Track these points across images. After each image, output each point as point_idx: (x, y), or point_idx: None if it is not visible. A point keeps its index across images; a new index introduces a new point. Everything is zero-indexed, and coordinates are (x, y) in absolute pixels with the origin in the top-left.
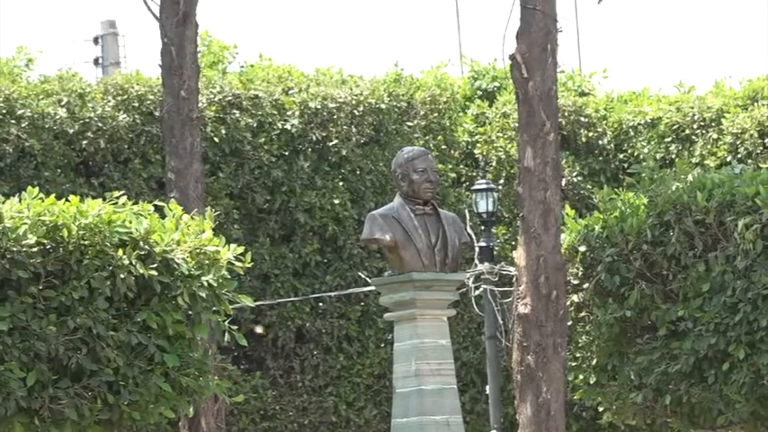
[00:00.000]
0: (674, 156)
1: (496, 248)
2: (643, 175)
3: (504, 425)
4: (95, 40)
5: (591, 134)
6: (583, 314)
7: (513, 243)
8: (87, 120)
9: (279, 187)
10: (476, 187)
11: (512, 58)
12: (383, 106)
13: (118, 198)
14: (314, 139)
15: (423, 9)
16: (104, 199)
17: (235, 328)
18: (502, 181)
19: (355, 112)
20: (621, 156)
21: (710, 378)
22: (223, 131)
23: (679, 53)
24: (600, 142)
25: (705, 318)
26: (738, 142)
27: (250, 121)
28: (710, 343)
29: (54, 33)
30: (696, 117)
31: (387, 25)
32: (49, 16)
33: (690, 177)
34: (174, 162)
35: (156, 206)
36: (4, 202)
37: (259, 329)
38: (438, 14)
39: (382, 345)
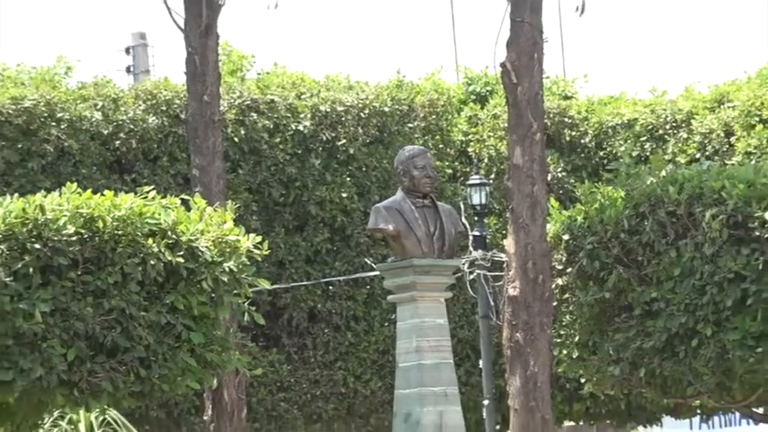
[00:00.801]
0: (648, 153)
1: (488, 237)
2: (621, 170)
3: (495, 395)
4: (127, 51)
5: (574, 134)
6: (566, 296)
7: (504, 232)
8: (120, 122)
9: (293, 182)
10: (470, 182)
11: (502, 65)
12: (386, 109)
13: (148, 192)
14: (324, 139)
15: (422, 22)
16: (136, 193)
17: (253, 308)
18: (493, 176)
19: (361, 114)
20: (601, 153)
21: (681, 353)
22: (242, 132)
23: (653, 60)
24: (582, 141)
25: (676, 299)
26: (706, 141)
27: (266, 122)
28: (681, 321)
29: (90, 44)
30: (668, 118)
31: (390, 36)
32: (85, 29)
33: (663, 173)
34: (198, 160)
35: (182, 200)
36: (46, 197)
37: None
38: (435, 26)
39: (386, 324)
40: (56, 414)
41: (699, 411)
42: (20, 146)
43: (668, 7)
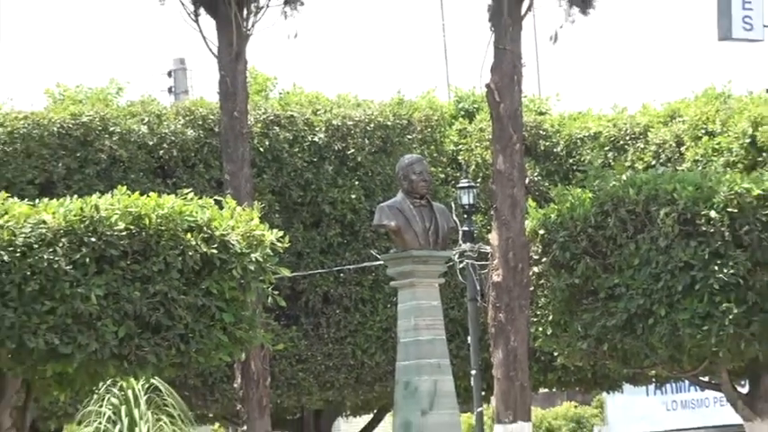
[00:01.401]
0: (611, 161)
1: (475, 232)
2: (590, 173)
3: (481, 366)
4: (169, 74)
5: (547, 144)
6: (542, 282)
7: (489, 228)
8: (163, 134)
9: (309, 186)
10: (460, 185)
11: (487, 86)
12: (389, 123)
13: (186, 194)
14: (336, 148)
15: (419, 49)
16: (176, 195)
17: (276, 292)
18: (479, 180)
19: (368, 128)
20: (571, 161)
21: (639, 330)
22: (266, 143)
23: (615, 81)
24: (554, 150)
25: (635, 284)
26: (660, 150)
27: (287, 135)
28: (639, 303)
29: (138, 68)
30: (628, 131)
31: (392, 60)
32: (134, 55)
33: (623, 177)
34: (229, 166)
35: (215, 200)
36: (100, 198)
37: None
38: (430, 53)
39: (389, 305)
40: (108, 382)
41: (654, 380)
42: (78, 155)
43: (628, 36)
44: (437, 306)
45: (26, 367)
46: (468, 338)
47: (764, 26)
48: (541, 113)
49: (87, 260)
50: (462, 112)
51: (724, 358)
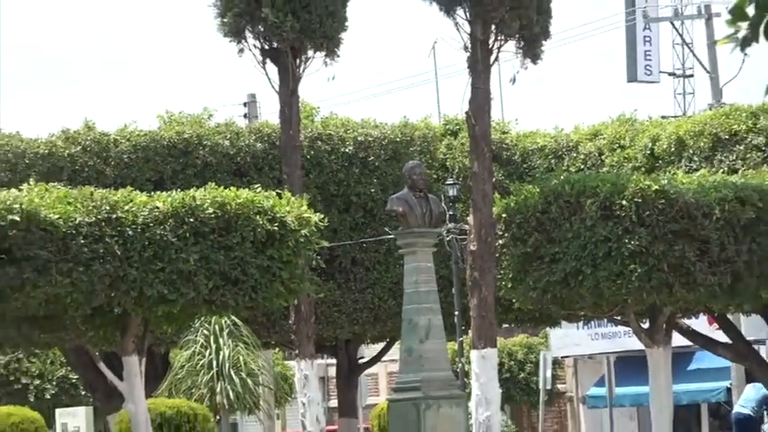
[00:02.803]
0: (553, 166)
1: (458, 216)
2: (538, 174)
3: (462, 309)
4: (244, 104)
5: (508, 154)
6: (504, 250)
7: (467, 212)
8: (240, 147)
9: (342, 183)
10: (447, 183)
11: (466, 113)
12: (398, 139)
13: (256, 188)
14: (361, 156)
15: (420, 88)
16: (249, 189)
17: (318, 257)
18: (461, 179)
19: (383, 142)
20: (525, 166)
21: (572, 284)
22: (312, 153)
23: (555, 108)
24: (513, 158)
25: (569, 252)
26: (587, 159)
27: (326, 147)
28: (572, 265)
29: (222, 99)
30: (564, 145)
31: (401, 95)
32: (220, 91)
33: (561, 177)
34: (286, 169)
35: (277, 193)
36: (196, 191)
37: None
38: (427, 91)
39: (397, 266)
40: (202, 319)
41: (582, 318)
42: (181, 161)
43: (564, 77)
44: (431, 267)
45: (144, 309)
46: (453, 289)
47: (660, 72)
48: (504, 132)
49: (187, 234)
50: (449, 132)
51: (632, 304)
